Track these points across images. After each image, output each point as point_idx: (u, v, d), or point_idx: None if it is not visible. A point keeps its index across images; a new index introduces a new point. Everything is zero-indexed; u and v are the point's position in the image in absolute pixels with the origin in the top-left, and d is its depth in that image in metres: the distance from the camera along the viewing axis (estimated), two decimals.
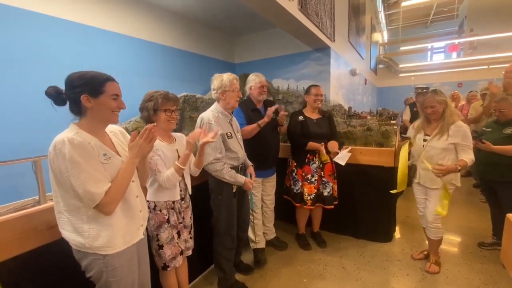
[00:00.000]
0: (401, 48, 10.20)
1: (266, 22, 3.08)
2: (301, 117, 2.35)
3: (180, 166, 1.38)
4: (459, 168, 1.83)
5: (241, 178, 1.80)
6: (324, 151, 2.23)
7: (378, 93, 11.14)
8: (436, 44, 10.80)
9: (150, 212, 1.41)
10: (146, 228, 1.41)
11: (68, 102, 0.99)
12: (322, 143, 2.28)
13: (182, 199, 1.51)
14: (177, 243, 1.48)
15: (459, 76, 10.25)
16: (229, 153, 1.80)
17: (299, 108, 2.51)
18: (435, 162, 1.92)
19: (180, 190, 1.50)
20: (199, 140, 1.48)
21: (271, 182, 2.38)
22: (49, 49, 2.48)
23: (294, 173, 2.38)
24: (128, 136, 1.22)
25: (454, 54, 10.54)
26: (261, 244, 2.30)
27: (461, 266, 2.16)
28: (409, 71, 11.37)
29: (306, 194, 2.31)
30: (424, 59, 12.25)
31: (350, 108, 5.25)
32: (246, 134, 2.05)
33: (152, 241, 1.44)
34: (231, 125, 1.87)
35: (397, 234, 2.75)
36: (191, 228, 1.60)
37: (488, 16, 9.25)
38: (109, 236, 1.00)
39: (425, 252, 2.27)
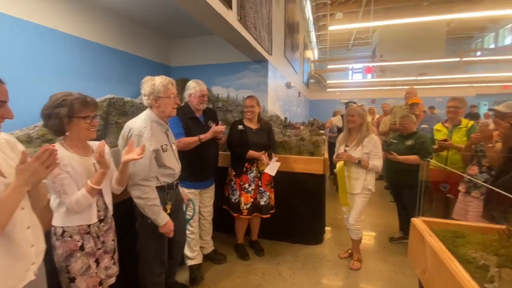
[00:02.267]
0: (328, 66, 11.53)
1: (206, 28, 3.02)
2: (240, 126, 2.35)
3: (94, 186, 1.15)
4: (358, 160, 2.19)
5: (162, 220, 1.49)
6: (265, 160, 2.27)
7: (310, 105, 12.30)
8: (356, 65, 12.73)
9: (57, 239, 1.16)
10: (54, 260, 1.16)
11: None
12: (262, 152, 2.32)
13: (101, 220, 1.27)
14: (96, 272, 1.24)
15: (373, 93, 12.26)
16: (163, 170, 1.57)
17: (239, 117, 2.51)
18: (353, 169, 2.26)
19: (99, 211, 1.26)
20: (122, 156, 1.29)
21: (209, 193, 2.29)
22: None
23: (232, 182, 2.35)
24: (21, 148, 0.96)
25: (369, 75, 12.53)
26: (198, 260, 2.18)
27: (378, 260, 2.48)
28: (335, 86, 13.01)
29: (243, 204, 2.30)
30: (346, 77, 14.23)
31: (286, 118, 5.57)
32: (183, 146, 1.91)
33: (60, 274, 1.18)
34: (167, 135, 1.65)
35: (327, 235, 2.99)
36: (114, 252, 1.38)
37: (393, 46, 11.38)
38: None
39: (350, 251, 2.52)
